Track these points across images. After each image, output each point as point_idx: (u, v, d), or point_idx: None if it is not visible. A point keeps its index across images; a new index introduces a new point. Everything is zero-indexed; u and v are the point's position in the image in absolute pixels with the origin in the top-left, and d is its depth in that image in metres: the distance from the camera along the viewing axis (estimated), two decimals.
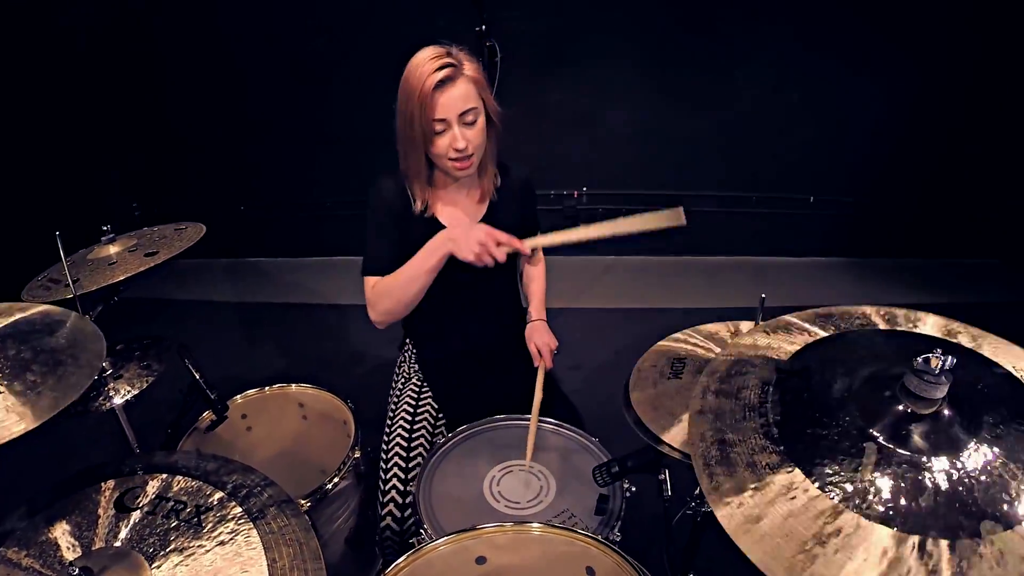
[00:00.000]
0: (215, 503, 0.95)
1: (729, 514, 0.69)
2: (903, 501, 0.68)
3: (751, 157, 3.52)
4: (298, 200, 3.90)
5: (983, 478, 0.70)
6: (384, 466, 1.49)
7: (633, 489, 1.32)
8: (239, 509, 0.94)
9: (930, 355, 0.76)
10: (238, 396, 1.68)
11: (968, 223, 3.54)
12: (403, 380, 1.72)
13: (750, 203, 3.61)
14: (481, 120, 1.39)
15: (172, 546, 0.88)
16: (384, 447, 1.53)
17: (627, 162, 3.62)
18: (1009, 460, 0.72)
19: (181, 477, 1.01)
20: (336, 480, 1.43)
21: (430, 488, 1.33)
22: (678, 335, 1.48)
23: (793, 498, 0.70)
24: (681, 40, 3.30)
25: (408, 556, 0.99)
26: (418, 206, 1.50)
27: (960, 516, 0.66)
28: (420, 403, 1.60)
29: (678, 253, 3.83)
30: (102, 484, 1.00)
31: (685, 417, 1.07)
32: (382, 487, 1.47)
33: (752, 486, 0.72)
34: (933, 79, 3.22)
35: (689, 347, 1.43)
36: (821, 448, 0.76)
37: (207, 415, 1.60)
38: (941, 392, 0.76)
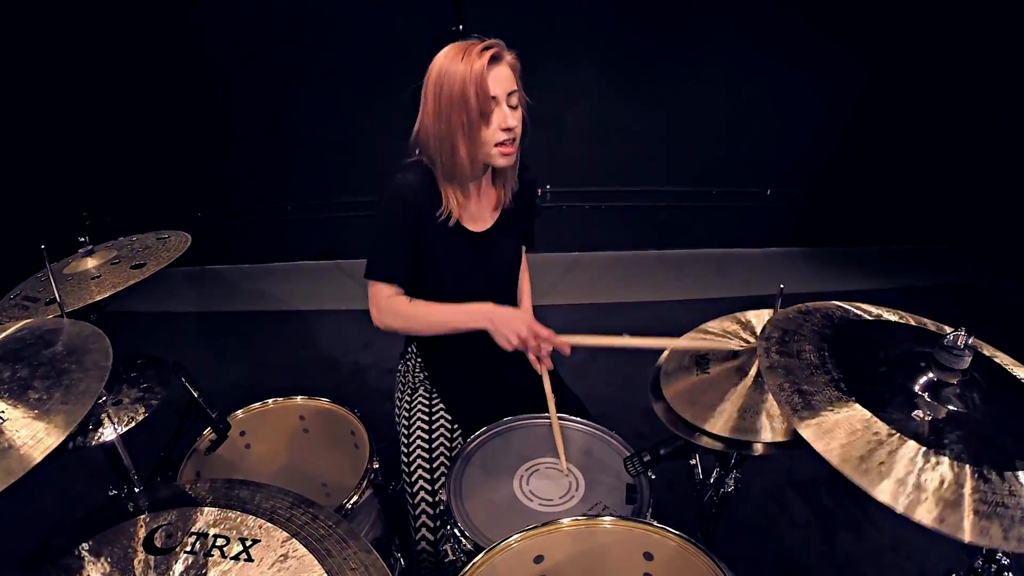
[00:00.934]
0: (261, 534, 0.89)
1: (812, 433, 0.80)
2: (946, 438, 0.81)
3: (709, 153, 3.66)
4: (258, 206, 3.75)
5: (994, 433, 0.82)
6: (409, 480, 1.45)
7: (654, 477, 1.35)
8: (287, 536, 0.88)
9: (957, 332, 0.87)
10: (239, 412, 1.59)
11: (918, 210, 3.80)
12: (410, 390, 1.67)
13: (709, 197, 3.74)
14: (521, 109, 1.36)
15: None
16: (405, 462, 1.49)
17: (589, 160, 3.68)
18: None
19: (209, 508, 0.93)
20: (358, 495, 1.37)
21: (461, 496, 1.30)
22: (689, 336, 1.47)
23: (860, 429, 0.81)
24: (640, 41, 3.39)
25: (479, 559, 0.97)
26: (454, 210, 1.42)
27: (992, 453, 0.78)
28: (434, 413, 1.56)
29: (642, 248, 3.92)
30: (129, 525, 0.91)
31: (726, 407, 1.10)
32: (411, 500, 1.43)
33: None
34: (881, 75, 3.45)
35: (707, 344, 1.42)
36: (882, 401, 0.86)
37: (206, 436, 1.51)
38: (965, 363, 0.87)
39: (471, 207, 1.49)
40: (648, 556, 1.03)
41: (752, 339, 1.32)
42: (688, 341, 1.27)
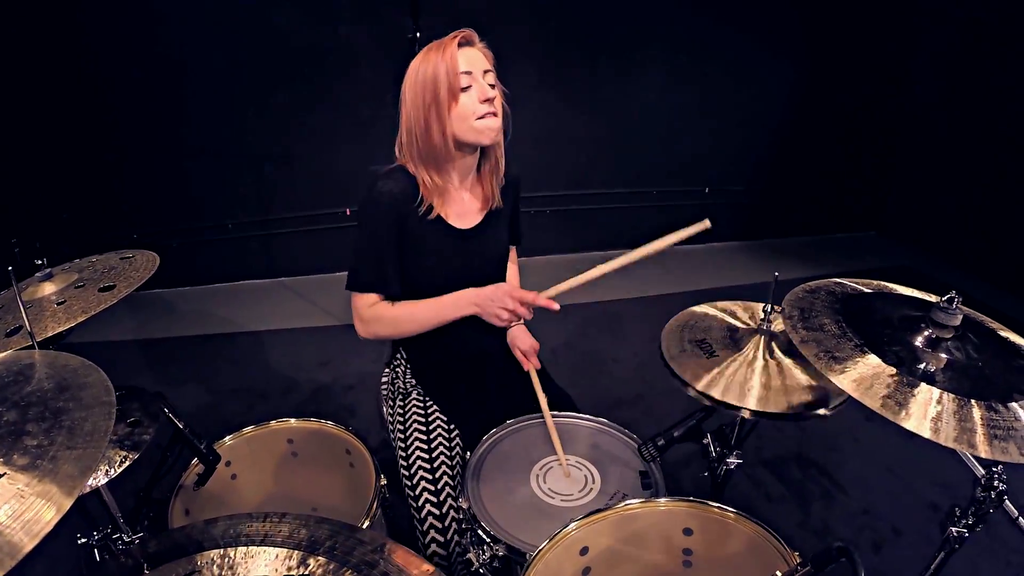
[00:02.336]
0: (311, 569, 0.82)
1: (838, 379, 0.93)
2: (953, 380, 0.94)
3: (649, 156, 3.80)
4: (198, 224, 3.51)
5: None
6: (412, 492, 1.41)
7: (659, 458, 1.38)
8: (342, 568, 0.82)
9: (950, 295, 1.01)
10: (227, 438, 1.49)
11: (845, 200, 4.12)
12: (401, 397, 1.62)
13: (651, 197, 3.89)
14: (499, 91, 1.39)
15: None
16: (406, 472, 1.45)
17: (534, 165, 3.71)
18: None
19: (234, 548, 0.86)
20: (370, 517, 1.31)
21: (482, 503, 1.28)
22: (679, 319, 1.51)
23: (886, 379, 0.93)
24: (579, 50, 3.50)
25: (535, 557, 0.96)
26: (428, 197, 1.40)
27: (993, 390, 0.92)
28: (430, 419, 1.53)
29: (588, 250, 4.00)
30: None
31: (756, 382, 1.16)
32: (417, 515, 1.39)
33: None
34: (803, 75, 3.72)
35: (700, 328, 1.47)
36: (899, 358, 0.98)
37: (192, 470, 1.40)
38: (957, 320, 1.01)
39: (458, 203, 1.48)
40: (688, 531, 1.05)
41: (750, 322, 1.39)
42: (648, 248, 1.37)
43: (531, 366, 1.57)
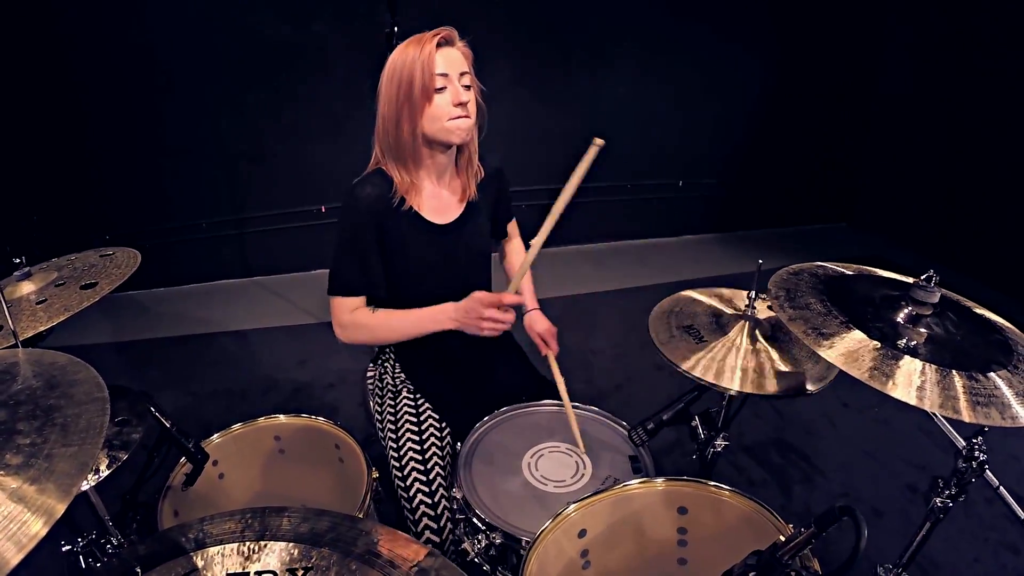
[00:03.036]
0: (313, 561, 0.82)
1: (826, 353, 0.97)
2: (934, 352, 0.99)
3: (623, 149, 3.83)
4: (167, 224, 3.42)
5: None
6: (403, 484, 1.42)
7: (648, 442, 1.41)
8: (346, 558, 0.82)
9: (928, 274, 1.05)
10: (215, 436, 1.46)
11: (817, 192, 4.22)
12: (391, 393, 1.62)
13: (625, 191, 3.93)
14: (474, 92, 1.39)
15: None
16: (397, 464, 1.45)
17: (509, 160, 3.71)
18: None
19: (240, 544, 0.85)
20: (363, 511, 1.31)
21: (476, 491, 1.29)
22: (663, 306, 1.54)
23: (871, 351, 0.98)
24: (552, 45, 3.51)
25: (536, 541, 0.97)
26: (401, 189, 1.41)
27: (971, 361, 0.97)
28: (421, 414, 1.53)
29: (564, 244, 4.03)
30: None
31: (740, 364, 1.22)
32: (409, 507, 1.40)
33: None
34: (784, 72, 3.80)
35: (686, 315, 1.50)
36: (883, 333, 1.03)
37: (180, 470, 1.38)
38: (936, 298, 1.06)
39: (435, 198, 1.49)
40: (682, 510, 1.08)
41: (734, 309, 1.42)
42: (568, 188, 1.36)
43: (549, 351, 1.57)
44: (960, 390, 0.89)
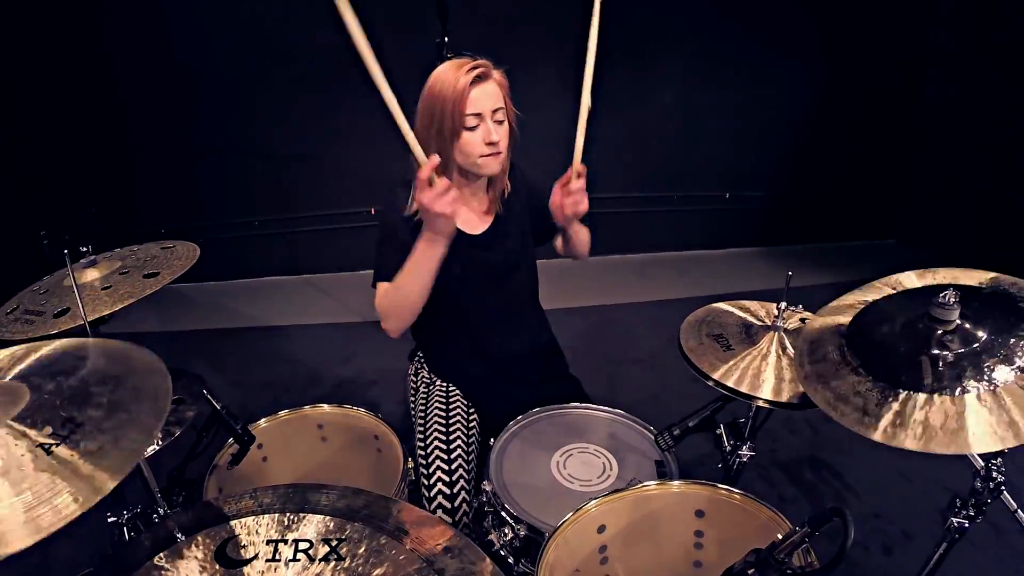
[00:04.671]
0: (347, 534, 0.88)
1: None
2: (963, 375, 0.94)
3: (669, 160, 3.84)
4: (223, 221, 3.62)
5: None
6: (426, 471, 1.47)
7: (674, 447, 1.43)
8: (377, 533, 0.88)
9: (945, 292, 1.01)
10: (262, 421, 1.56)
11: (866, 207, 4.11)
12: (425, 385, 1.69)
13: (672, 201, 3.92)
14: (506, 124, 1.45)
15: None
16: (423, 453, 1.51)
17: (552, 167, 3.76)
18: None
19: (271, 515, 0.92)
20: (399, 492, 1.37)
21: (504, 485, 1.33)
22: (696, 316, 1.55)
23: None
24: (601, 49, 3.52)
25: (556, 532, 1.01)
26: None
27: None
28: (451, 407, 1.60)
29: (606, 253, 4.04)
30: (188, 542, 0.87)
31: (769, 374, 1.22)
32: (428, 494, 1.45)
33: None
34: (832, 83, 3.73)
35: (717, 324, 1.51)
36: (894, 369, 0.99)
37: (226, 450, 1.47)
38: (955, 315, 1.01)
39: (467, 210, 1.56)
40: (699, 513, 1.10)
41: (765, 320, 1.43)
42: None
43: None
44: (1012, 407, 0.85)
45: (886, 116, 3.88)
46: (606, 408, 1.57)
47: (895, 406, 0.92)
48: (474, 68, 1.37)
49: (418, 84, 1.47)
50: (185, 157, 3.46)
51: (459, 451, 1.50)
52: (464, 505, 1.43)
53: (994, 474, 1.04)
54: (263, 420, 1.56)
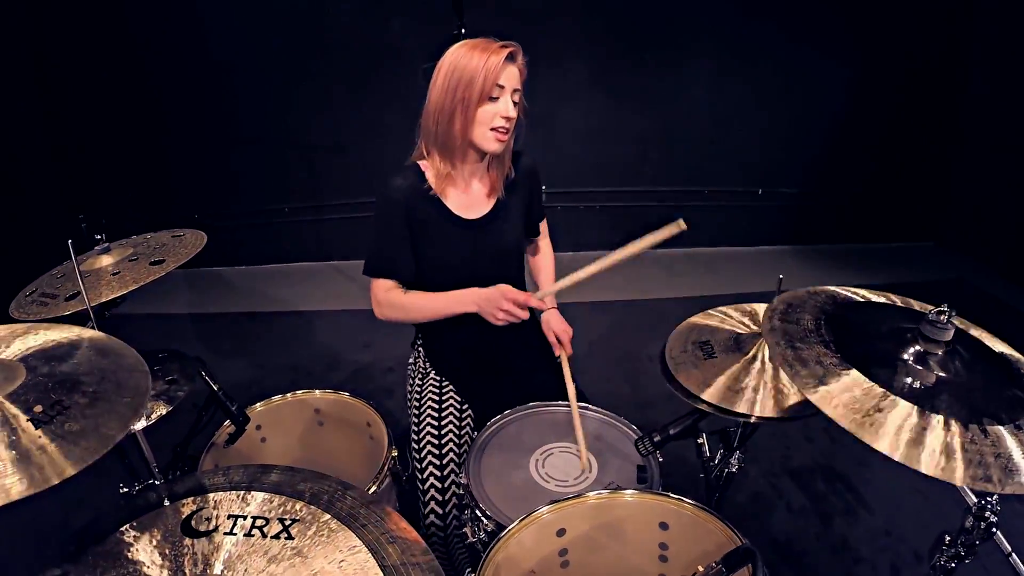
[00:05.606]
0: (300, 514, 0.92)
1: (819, 398, 0.88)
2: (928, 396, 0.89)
3: (701, 154, 3.74)
4: (255, 208, 3.76)
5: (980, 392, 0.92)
6: (419, 465, 1.50)
7: (661, 458, 1.40)
8: (328, 516, 0.92)
9: (940, 308, 0.95)
10: (258, 404, 1.62)
11: (904, 208, 3.91)
12: (420, 376, 1.72)
13: (702, 197, 3.83)
14: (520, 108, 1.46)
15: (271, 563, 0.84)
16: (416, 446, 1.54)
17: (582, 160, 3.74)
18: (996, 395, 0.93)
19: (250, 493, 0.96)
20: (377, 485, 1.41)
21: (480, 479, 1.35)
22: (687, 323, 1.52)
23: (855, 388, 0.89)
24: (632, 39, 3.46)
25: (505, 534, 1.01)
26: (437, 178, 1.51)
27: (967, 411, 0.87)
28: (444, 398, 1.62)
29: None
30: (163, 511, 0.93)
31: (750, 384, 1.18)
32: (421, 486, 1.48)
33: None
34: (866, 75, 3.55)
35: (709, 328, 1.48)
36: (866, 358, 0.95)
37: (224, 429, 1.54)
38: (947, 336, 0.95)
39: (466, 194, 1.57)
40: (663, 526, 1.08)
41: (755, 326, 1.39)
42: (627, 250, 1.40)
43: (563, 352, 1.60)
44: (959, 445, 0.81)
45: (928, 113, 3.67)
46: (596, 408, 1.56)
47: (857, 391, 0.88)
48: (508, 45, 1.40)
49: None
50: (220, 148, 3.61)
51: (451, 445, 1.52)
52: (455, 499, 1.46)
53: (987, 513, 0.97)
54: (259, 404, 1.63)
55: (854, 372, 0.91)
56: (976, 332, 1.08)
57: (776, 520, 2.08)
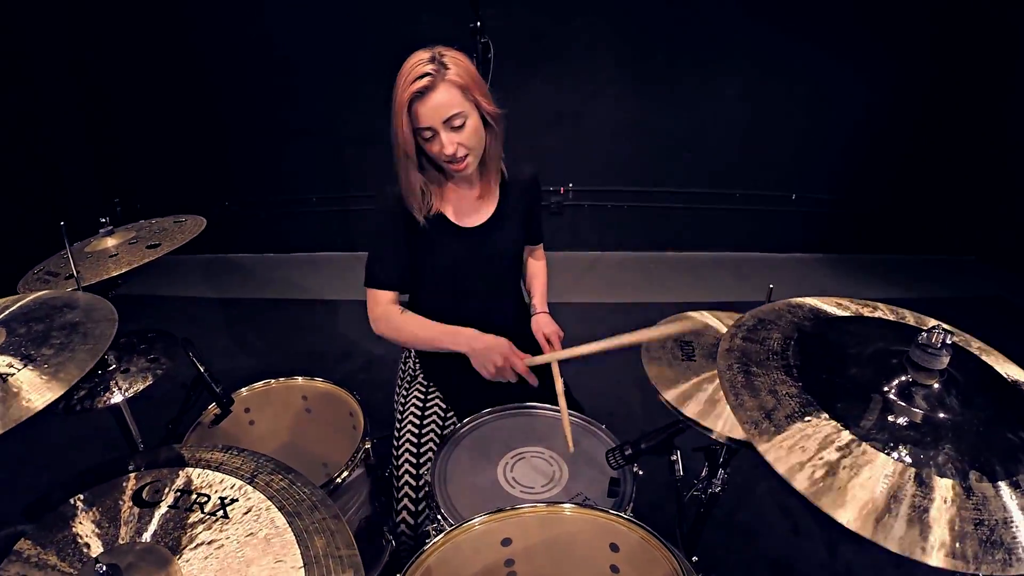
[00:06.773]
0: (240, 494, 0.94)
1: (766, 449, 0.75)
2: (906, 443, 0.76)
3: (732, 156, 3.61)
4: (281, 196, 3.86)
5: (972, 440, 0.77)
6: (396, 462, 1.50)
7: (640, 472, 1.35)
8: (265, 500, 0.93)
9: (933, 331, 0.81)
10: (243, 389, 1.66)
11: (944, 220, 3.69)
12: (409, 376, 1.72)
13: (733, 200, 3.70)
14: (471, 122, 1.33)
15: (199, 539, 0.87)
16: (395, 443, 1.53)
17: (611, 158, 3.67)
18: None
19: (200, 470, 0.99)
20: (348, 472, 1.42)
21: (445, 477, 1.33)
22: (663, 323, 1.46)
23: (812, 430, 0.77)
24: (663, 38, 3.37)
25: (439, 539, 0.99)
26: (419, 218, 1.46)
27: (953, 462, 0.74)
28: (428, 400, 1.61)
29: (661, 248, 3.89)
30: (122, 480, 0.97)
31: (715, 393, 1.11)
32: (395, 483, 1.48)
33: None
34: (909, 81, 3.36)
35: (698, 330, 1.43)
36: (834, 390, 0.83)
37: (211, 410, 1.58)
38: (941, 364, 0.81)
39: (464, 202, 1.53)
40: (614, 547, 1.04)
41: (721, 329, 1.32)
42: (661, 329, 1.27)
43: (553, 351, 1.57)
44: (940, 509, 0.68)
45: (970, 123, 3.42)
46: (581, 415, 1.51)
47: (807, 429, 0.75)
48: (418, 79, 1.27)
49: None
50: (253, 138, 3.71)
51: (429, 447, 1.50)
52: (427, 500, 1.44)
53: None
54: (244, 389, 1.66)
55: (815, 408, 0.78)
56: (991, 358, 0.93)
57: (779, 542, 1.99)
